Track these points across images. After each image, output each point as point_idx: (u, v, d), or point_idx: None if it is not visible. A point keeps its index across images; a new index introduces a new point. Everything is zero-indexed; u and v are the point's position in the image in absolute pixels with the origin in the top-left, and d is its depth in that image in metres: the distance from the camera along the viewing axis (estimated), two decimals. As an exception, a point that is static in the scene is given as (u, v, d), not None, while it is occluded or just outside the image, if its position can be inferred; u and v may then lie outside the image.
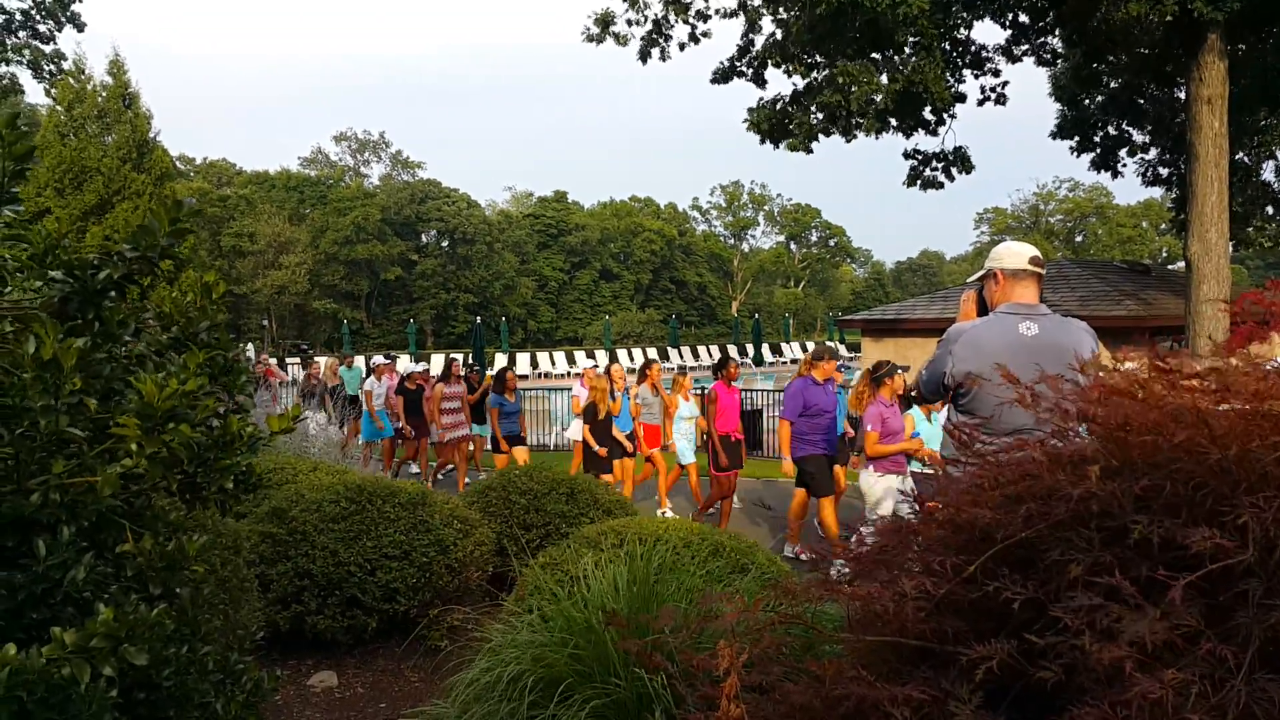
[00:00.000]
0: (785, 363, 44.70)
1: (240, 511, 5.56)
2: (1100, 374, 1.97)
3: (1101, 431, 1.75)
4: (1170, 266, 30.83)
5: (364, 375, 15.21)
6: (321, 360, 19.39)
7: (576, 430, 10.79)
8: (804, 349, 49.09)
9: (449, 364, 13.03)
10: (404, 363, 20.10)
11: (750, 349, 43.56)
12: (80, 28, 25.09)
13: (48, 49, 25.22)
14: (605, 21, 14.92)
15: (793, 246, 78.13)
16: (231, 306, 46.16)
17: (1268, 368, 1.76)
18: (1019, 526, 1.66)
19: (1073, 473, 1.68)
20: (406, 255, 56.03)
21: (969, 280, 3.84)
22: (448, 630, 5.21)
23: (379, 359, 14.95)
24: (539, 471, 6.95)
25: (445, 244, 58.88)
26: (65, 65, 24.92)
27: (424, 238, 59.09)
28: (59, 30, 25.09)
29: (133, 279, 1.88)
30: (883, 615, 1.74)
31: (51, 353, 1.57)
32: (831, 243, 79.55)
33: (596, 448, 9.99)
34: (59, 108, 23.91)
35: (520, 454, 11.69)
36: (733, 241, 76.56)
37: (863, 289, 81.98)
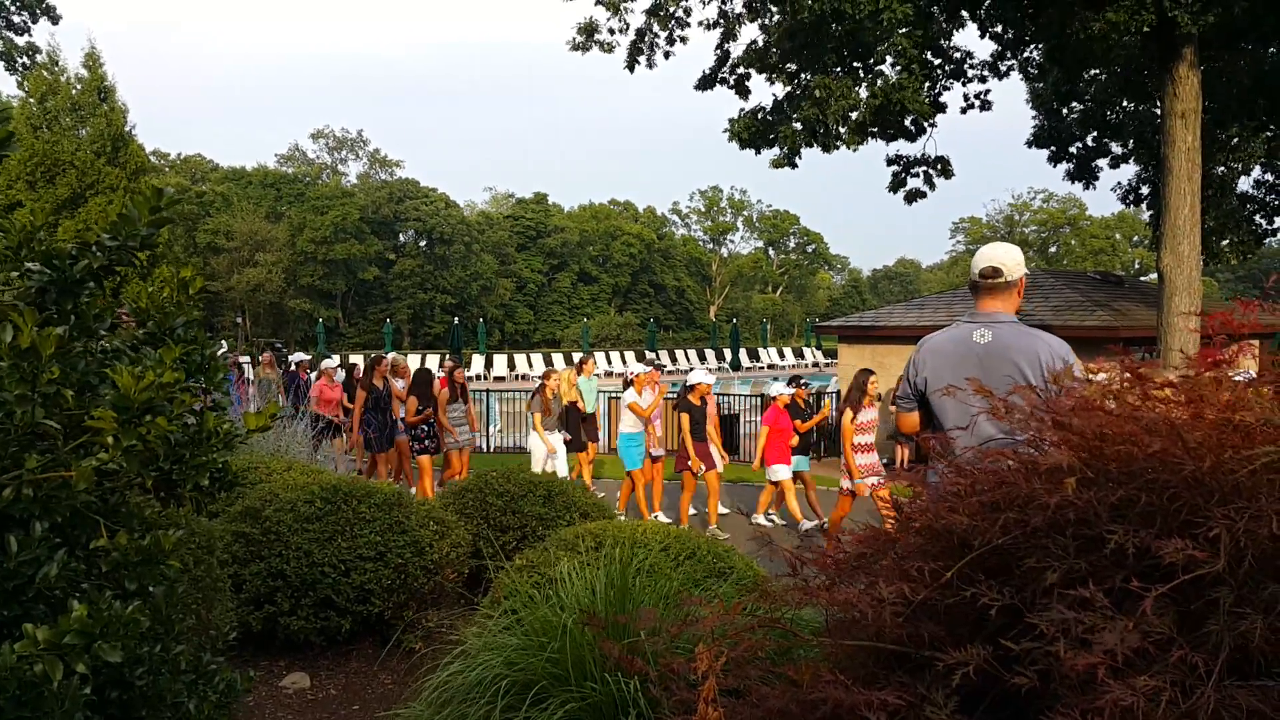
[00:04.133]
0: (762, 368, 44.83)
1: (213, 511, 5.50)
2: (1071, 384, 1.99)
3: (1077, 441, 1.77)
4: (1143, 278, 31.23)
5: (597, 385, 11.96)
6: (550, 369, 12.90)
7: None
8: (781, 354, 49.27)
9: (865, 377, 8.82)
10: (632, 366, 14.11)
11: (728, 354, 43.65)
12: (55, 20, 24.72)
13: (21, 41, 24.85)
14: (589, 30, 14.90)
15: (771, 252, 78.46)
16: (206, 304, 45.66)
17: (1237, 378, 1.79)
18: (996, 534, 1.68)
19: (1049, 482, 1.70)
20: (384, 255, 55.68)
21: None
22: (423, 633, 5.19)
23: (637, 366, 11.60)
24: (515, 473, 6.92)
25: (423, 244, 58.55)
26: (39, 58, 24.58)
27: (402, 237, 58.73)
28: (33, 22, 24.70)
29: (112, 269, 1.86)
30: (860, 620, 1.75)
31: (29, 341, 1.55)
32: (809, 249, 79.99)
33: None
34: (31, 100, 23.59)
35: None
36: (711, 246, 76.72)
37: (840, 295, 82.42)
